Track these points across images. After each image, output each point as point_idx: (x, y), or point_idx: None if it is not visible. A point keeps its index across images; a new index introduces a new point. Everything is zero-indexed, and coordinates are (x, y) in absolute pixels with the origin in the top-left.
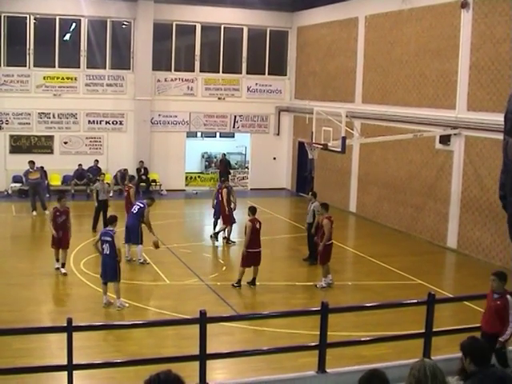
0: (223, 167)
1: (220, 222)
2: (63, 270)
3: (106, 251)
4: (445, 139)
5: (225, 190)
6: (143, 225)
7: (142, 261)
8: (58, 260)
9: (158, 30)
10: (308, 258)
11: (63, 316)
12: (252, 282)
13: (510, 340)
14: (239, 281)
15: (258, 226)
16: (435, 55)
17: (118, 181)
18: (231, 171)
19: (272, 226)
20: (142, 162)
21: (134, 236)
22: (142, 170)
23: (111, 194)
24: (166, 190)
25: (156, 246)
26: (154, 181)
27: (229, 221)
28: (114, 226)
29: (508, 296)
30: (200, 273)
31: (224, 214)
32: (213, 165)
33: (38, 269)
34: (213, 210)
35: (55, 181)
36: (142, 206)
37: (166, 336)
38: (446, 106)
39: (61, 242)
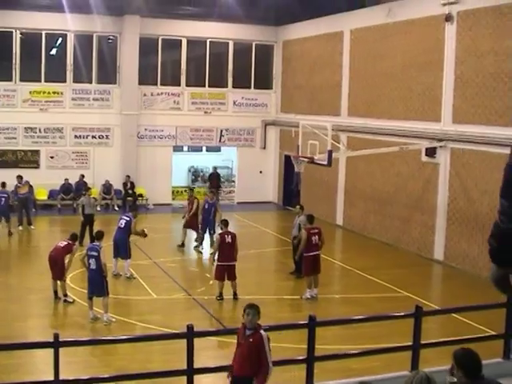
0: (215, 181)
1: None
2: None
3: (93, 266)
4: (431, 152)
5: (195, 201)
6: (131, 239)
7: (128, 275)
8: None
9: (144, 45)
10: (294, 272)
11: (50, 331)
12: (234, 296)
13: None
14: (220, 293)
15: (228, 239)
16: (420, 68)
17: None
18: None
19: (259, 239)
20: (128, 176)
21: (122, 250)
22: (129, 185)
23: (98, 209)
24: (153, 204)
25: (144, 234)
26: (141, 195)
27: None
28: (101, 241)
29: (262, 331)
30: (187, 287)
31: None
32: (199, 179)
33: (25, 284)
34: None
35: (41, 195)
36: (128, 219)
37: (154, 351)
38: (431, 119)
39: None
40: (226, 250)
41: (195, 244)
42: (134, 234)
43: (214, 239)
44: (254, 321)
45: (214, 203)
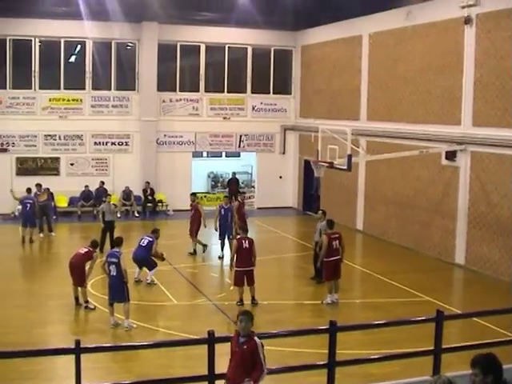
0: (234, 186)
1: (226, 242)
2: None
3: (113, 272)
4: (451, 155)
5: (199, 207)
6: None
7: (149, 281)
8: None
9: (162, 51)
10: (314, 277)
11: (71, 337)
12: (252, 301)
13: None
14: (240, 299)
15: (246, 244)
16: (440, 71)
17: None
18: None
19: (279, 244)
20: (148, 182)
21: (146, 264)
22: (149, 191)
23: (118, 215)
24: (173, 210)
25: (162, 258)
26: (161, 201)
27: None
28: (120, 247)
29: (256, 338)
30: (207, 293)
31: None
32: (219, 184)
33: (45, 290)
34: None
35: (62, 202)
36: (151, 240)
37: (175, 356)
38: (451, 122)
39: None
40: (244, 255)
41: (191, 251)
42: (153, 255)
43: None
44: (248, 328)
45: (230, 208)
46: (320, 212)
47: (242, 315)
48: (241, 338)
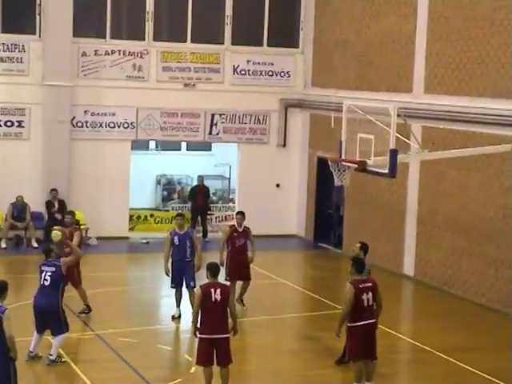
0: (200, 199)
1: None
2: None
3: None
4: None
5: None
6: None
7: (54, 358)
8: None
9: None
10: (341, 358)
11: None
12: None
13: None
14: None
15: (216, 295)
16: None
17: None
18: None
19: (274, 298)
20: (55, 190)
21: (53, 322)
22: (56, 205)
23: (2, 245)
24: (97, 239)
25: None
26: (77, 223)
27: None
28: (2, 299)
29: None
30: (151, 378)
31: None
32: (175, 196)
33: None
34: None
35: None
36: (54, 270)
37: None
38: None
39: None
40: (213, 314)
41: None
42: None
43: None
44: None
45: (189, 234)
46: (358, 246)
47: None
48: None
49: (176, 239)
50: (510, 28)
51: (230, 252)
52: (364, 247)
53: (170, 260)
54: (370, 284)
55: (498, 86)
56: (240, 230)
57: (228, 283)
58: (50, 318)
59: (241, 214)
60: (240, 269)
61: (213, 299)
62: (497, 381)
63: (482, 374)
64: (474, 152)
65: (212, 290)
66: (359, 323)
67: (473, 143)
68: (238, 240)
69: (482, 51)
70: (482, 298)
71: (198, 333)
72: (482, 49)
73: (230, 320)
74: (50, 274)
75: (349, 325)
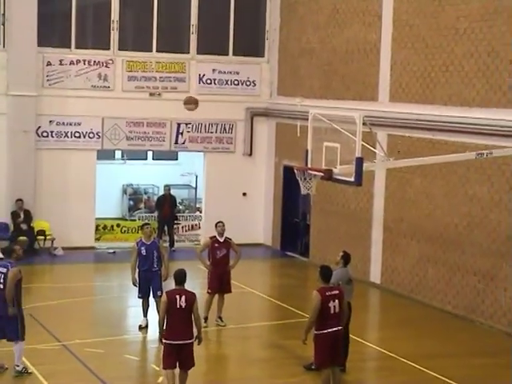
0: (167, 209)
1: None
2: None
3: None
4: None
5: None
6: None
7: (20, 369)
8: None
9: None
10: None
11: None
12: None
13: None
14: None
15: (181, 302)
16: None
17: None
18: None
19: (241, 307)
20: (20, 200)
21: (9, 329)
22: (22, 216)
23: None
24: (63, 249)
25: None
26: (43, 233)
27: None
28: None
29: None
30: None
31: None
32: (141, 205)
33: None
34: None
35: None
36: (4, 271)
37: None
38: None
39: None
40: (178, 321)
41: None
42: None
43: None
44: None
45: (155, 244)
46: (340, 254)
47: None
48: None
49: (143, 249)
50: (473, 36)
51: (211, 264)
52: (345, 257)
53: (137, 270)
54: (337, 292)
55: (463, 95)
56: (221, 240)
57: (192, 292)
58: (5, 322)
59: (221, 223)
60: (221, 281)
61: (178, 306)
62: None
63: (448, 380)
64: (438, 160)
65: (177, 296)
66: (325, 331)
67: (438, 151)
68: (219, 251)
69: (446, 59)
70: (447, 304)
71: (163, 339)
72: (446, 57)
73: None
74: (3, 276)
75: (315, 332)
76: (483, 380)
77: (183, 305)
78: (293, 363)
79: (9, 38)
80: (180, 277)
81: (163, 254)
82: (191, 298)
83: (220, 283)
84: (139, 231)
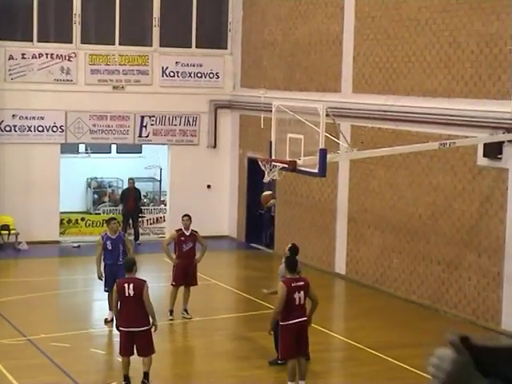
0: (131, 202)
1: None
2: None
3: None
4: (493, 150)
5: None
6: None
7: None
8: None
9: None
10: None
11: None
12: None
13: None
14: (125, 377)
15: (130, 290)
16: (476, 10)
17: None
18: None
19: (206, 299)
20: None
21: None
22: None
23: None
24: (28, 243)
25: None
26: (7, 227)
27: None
28: None
29: None
30: (86, 382)
31: None
32: (106, 198)
33: None
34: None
35: None
36: None
37: None
38: (496, 96)
39: None
40: (127, 308)
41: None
42: None
43: None
44: None
45: (121, 238)
46: (288, 246)
47: None
48: None
49: (109, 244)
50: (435, 27)
51: (177, 257)
52: (293, 249)
53: (103, 263)
54: (302, 283)
55: (425, 85)
56: (187, 233)
57: (144, 278)
58: None
59: (187, 216)
60: (186, 274)
61: (126, 294)
62: (429, 377)
63: (414, 370)
64: (402, 150)
65: (126, 285)
66: (291, 321)
67: (401, 141)
68: (185, 244)
69: (408, 50)
70: (412, 294)
71: (116, 326)
72: (408, 48)
73: None
74: None
75: (281, 323)
76: None
77: (131, 293)
78: (258, 355)
79: None
80: (127, 265)
81: (129, 248)
82: (139, 285)
83: (185, 276)
84: (104, 225)
